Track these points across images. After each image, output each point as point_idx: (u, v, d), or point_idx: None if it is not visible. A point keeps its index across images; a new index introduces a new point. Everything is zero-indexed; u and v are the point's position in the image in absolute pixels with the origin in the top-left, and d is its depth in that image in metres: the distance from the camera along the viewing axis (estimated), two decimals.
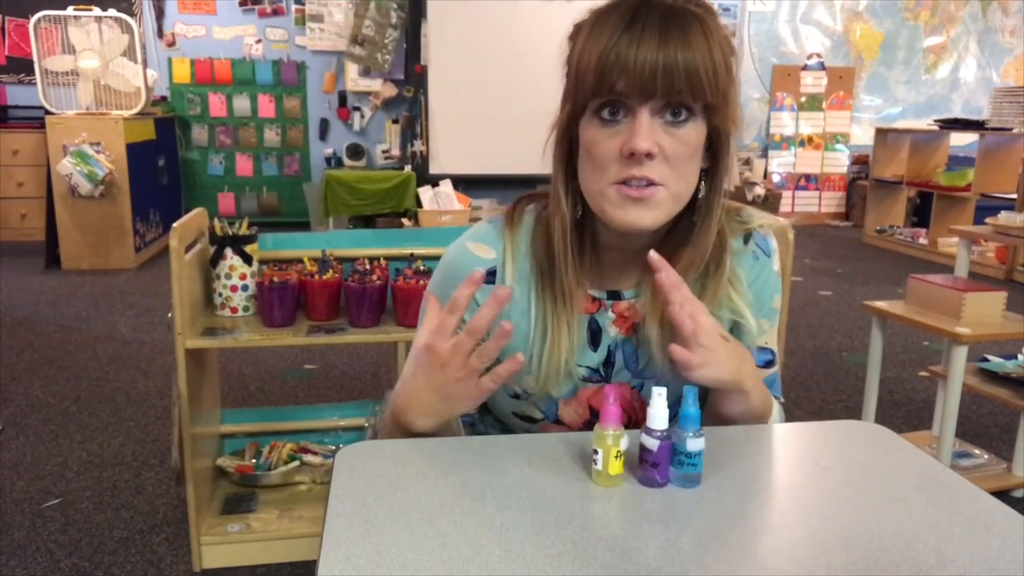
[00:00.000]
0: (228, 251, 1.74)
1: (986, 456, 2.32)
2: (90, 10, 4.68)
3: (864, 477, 0.79)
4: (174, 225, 1.59)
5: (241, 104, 5.98)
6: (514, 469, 0.78)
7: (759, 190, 6.38)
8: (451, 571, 0.61)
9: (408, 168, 5.80)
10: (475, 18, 5.71)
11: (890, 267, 5.22)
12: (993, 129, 5.18)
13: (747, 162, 6.80)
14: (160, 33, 5.84)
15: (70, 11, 4.64)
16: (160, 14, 5.82)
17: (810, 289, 4.53)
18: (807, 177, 6.95)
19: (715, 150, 0.86)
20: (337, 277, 1.77)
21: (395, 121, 6.01)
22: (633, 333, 0.93)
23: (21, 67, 5.58)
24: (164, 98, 5.83)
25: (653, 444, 0.75)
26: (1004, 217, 2.97)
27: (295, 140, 6.12)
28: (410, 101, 6.06)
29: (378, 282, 1.74)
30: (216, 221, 1.77)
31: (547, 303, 0.89)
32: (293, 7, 5.94)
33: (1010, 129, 5.14)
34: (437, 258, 0.99)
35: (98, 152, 4.48)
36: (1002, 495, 2.16)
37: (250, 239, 1.78)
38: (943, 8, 6.95)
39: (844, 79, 6.86)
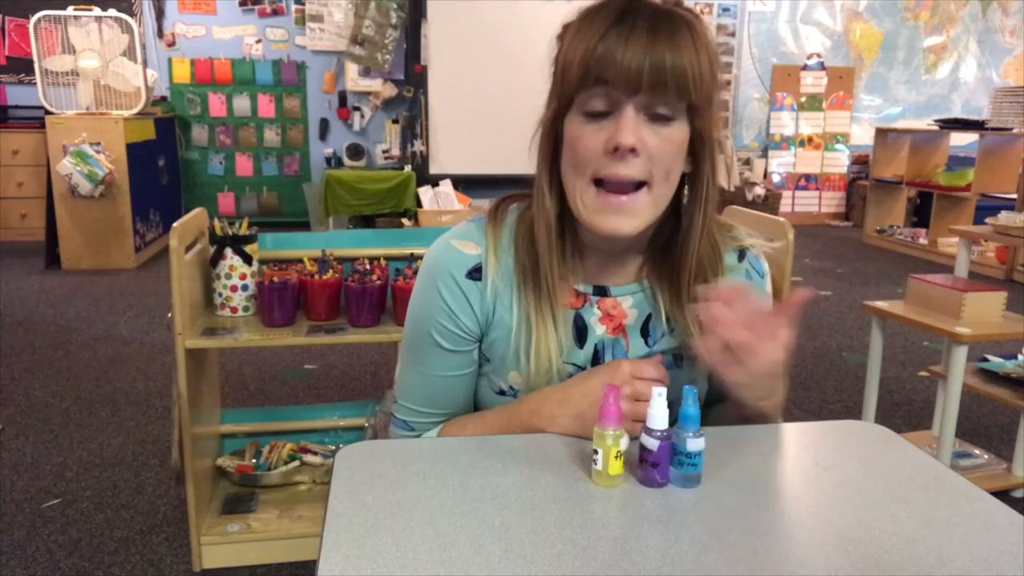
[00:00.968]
0: (228, 251, 1.74)
1: (986, 456, 2.32)
2: (90, 10, 4.68)
3: (864, 477, 0.79)
4: (174, 225, 1.59)
5: (241, 104, 5.98)
6: (514, 469, 0.78)
7: (759, 190, 6.37)
8: (451, 571, 0.61)
9: (408, 168, 5.80)
10: (475, 18, 5.71)
11: (890, 267, 5.22)
12: (993, 129, 5.18)
13: (747, 162, 6.81)
14: (160, 33, 5.84)
15: (70, 11, 4.64)
16: (160, 14, 5.82)
17: (810, 289, 4.52)
18: (807, 177, 6.95)
19: (697, 154, 0.86)
20: (337, 277, 1.77)
21: (395, 121, 6.01)
22: (622, 333, 0.93)
23: (21, 67, 5.58)
24: (164, 98, 5.83)
25: (653, 444, 0.75)
26: (1004, 217, 2.97)
27: (295, 140, 6.12)
28: (410, 101, 6.06)
29: (378, 282, 1.74)
30: (216, 221, 1.77)
31: (531, 299, 0.90)
32: (293, 7, 5.94)
33: (1010, 129, 5.14)
34: None
35: (98, 152, 4.48)
36: (1002, 495, 2.16)
37: (250, 239, 1.78)
38: (943, 8, 6.95)
39: (844, 79, 6.86)
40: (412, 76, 5.96)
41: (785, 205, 6.79)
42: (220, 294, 1.77)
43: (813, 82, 6.82)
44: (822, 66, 6.82)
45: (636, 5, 0.80)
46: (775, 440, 0.88)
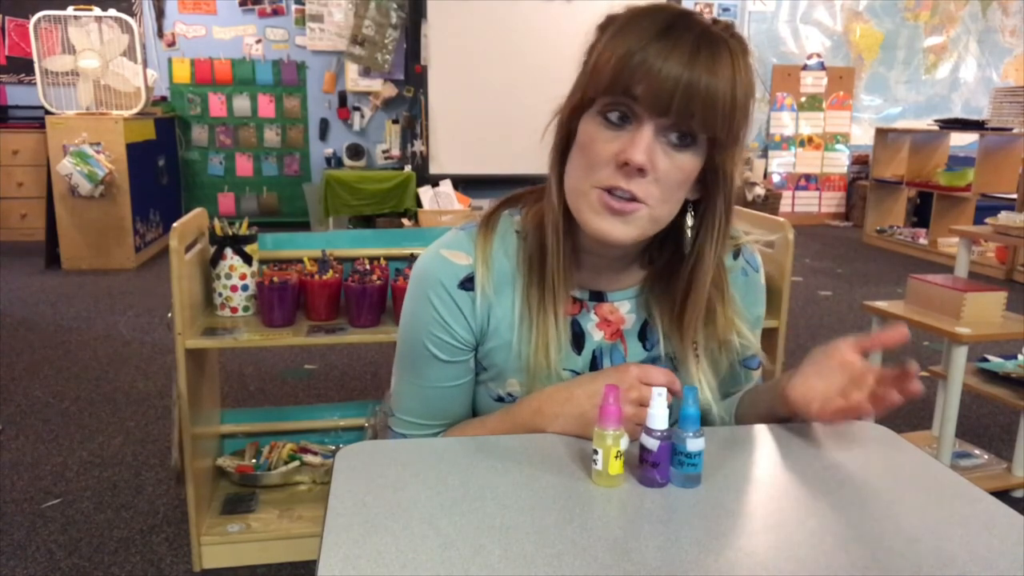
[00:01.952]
0: (228, 251, 1.74)
1: (986, 456, 2.32)
2: (90, 10, 4.68)
3: (864, 477, 0.79)
4: (174, 225, 1.59)
5: (241, 104, 5.98)
6: (514, 469, 0.78)
7: (759, 190, 6.38)
8: (451, 571, 0.61)
9: (408, 168, 5.80)
10: (475, 18, 5.71)
11: (890, 267, 5.22)
12: (993, 129, 5.18)
13: (747, 162, 6.80)
14: (160, 33, 5.84)
15: (70, 11, 4.64)
16: (160, 14, 5.82)
17: (810, 289, 4.53)
18: (807, 177, 6.95)
19: (708, 185, 0.84)
20: (337, 277, 1.77)
21: (395, 121, 6.01)
22: (620, 338, 0.93)
23: (21, 67, 5.58)
24: (164, 98, 5.83)
25: (653, 444, 0.75)
26: (1004, 217, 2.97)
27: (295, 140, 6.12)
28: (410, 101, 6.06)
29: (378, 282, 1.74)
30: (216, 221, 1.77)
31: (533, 301, 0.89)
32: (293, 7, 5.94)
33: (1010, 129, 5.14)
34: None
35: (98, 152, 4.48)
36: (1002, 495, 2.16)
37: (250, 239, 1.78)
38: (943, 8, 6.94)
39: (844, 79, 6.85)
40: (412, 76, 5.95)
41: (785, 205, 6.79)
42: (220, 294, 1.77)
43: (813, 82, 6.82)
44: (822, 66, 6.82)
45: (685, 21, 0.77)
46: (775, 440, 0.88)
